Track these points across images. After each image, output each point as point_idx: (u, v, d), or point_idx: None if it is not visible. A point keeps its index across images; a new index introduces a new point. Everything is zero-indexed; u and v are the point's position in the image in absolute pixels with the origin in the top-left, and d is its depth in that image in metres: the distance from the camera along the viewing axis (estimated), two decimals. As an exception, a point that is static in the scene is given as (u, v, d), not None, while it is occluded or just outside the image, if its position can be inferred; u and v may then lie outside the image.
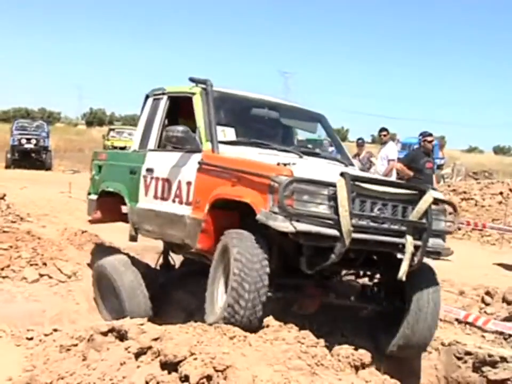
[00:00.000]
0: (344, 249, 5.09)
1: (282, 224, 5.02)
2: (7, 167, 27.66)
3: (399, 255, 5.43)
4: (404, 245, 5.35)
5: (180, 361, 4.09)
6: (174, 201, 6.50)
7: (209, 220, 5.86)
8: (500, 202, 16.16)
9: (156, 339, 4.51)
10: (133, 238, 7.50)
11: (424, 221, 5.42)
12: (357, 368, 4.61)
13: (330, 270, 5.66)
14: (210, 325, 5.09)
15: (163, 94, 7.21)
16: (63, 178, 21.97)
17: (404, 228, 5.41)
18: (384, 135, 12.62)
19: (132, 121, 67.37)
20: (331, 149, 13.86)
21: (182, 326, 5.00)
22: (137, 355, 4.44)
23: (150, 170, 6.94)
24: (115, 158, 8.11)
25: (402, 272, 5.31)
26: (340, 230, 5.04)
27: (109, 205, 7.83)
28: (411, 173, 11.00)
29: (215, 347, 4.43)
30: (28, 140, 27.99)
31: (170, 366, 4.12)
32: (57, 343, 5.20)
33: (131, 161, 7.38)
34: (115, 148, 28.48)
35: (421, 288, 5.67)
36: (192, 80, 6.67)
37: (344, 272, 6.09)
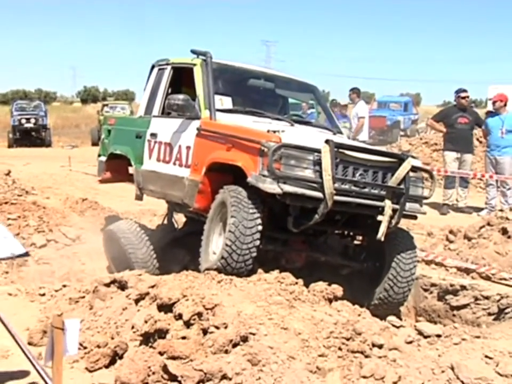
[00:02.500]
0: (327, 210, 5.22)
1: (270, 186, 5.17)
2: (9, 146, 27.90)
3: (379, 218, 5.52)
4: (383, 208, 5.49)
5: (174, 303, 4.38)
6: (174, 163, 6.64)
7: (206, 182, 6.02)
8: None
9: (152, 286, 4.83)
10: (138, 197, 7.66)
11: (402, 186, 5.55)
12: (330, 301, 4.92)
13: (316, 229, 5.79)
14: (204, 271, 5.35)
15: (167, 64, 7.29)
16: (63, 154, 22.18)
17: (383, 193, 5.54)
18: (353, 95, 12.85)
19: (124, 96, 67.05)
20: (310, 110, 14.15)
21: (176, 275, 5.30)
22: (137, 301, 4.76)
23: (153, 135, 7.05)
24: (123, 123, 8.18)
25: (381, 233, 5.46)
26: (323, 193, 5.17)
27: (117, 166, 7.91)
28: (443, 129, 11.25)
29: (205, 290, 4.74)
30: (28, 120, 28.21)
31: (166, 308, 4.42)
32: (67, 296, 5.53)
33: (137, 126, 7.48)
34: (108, 122, 28.49)
35: (399, 251, 5.85)
36: (193, 51, 6.76)
37: (329, 232, 6.17)
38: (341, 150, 5.36)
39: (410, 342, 4.58)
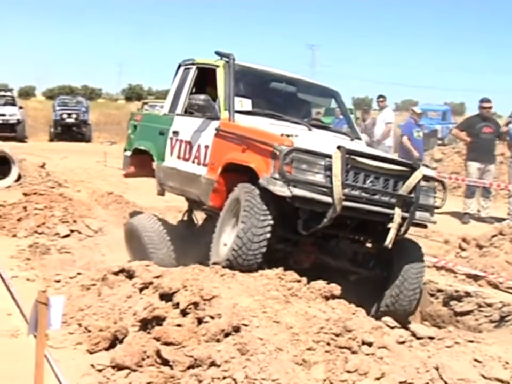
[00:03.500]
0: (335, 215, 5.30)
1: (280, 189, 5.27)
2: (50, 140, 28.57)
3: (389, 225, 5.57)
4: (393, 216, 5.54)
5: (174, 293, 4.61)
6: (193, 162, 6.77)
7: (221, 181, 6.16)
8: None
9: (157, 276, 5.04)
10: (160, 193, 7.85)
11: (412, 195, 5.60)
12: (327, 298, 5.06)
13: (326, 233, 5.85)
14: (214, 264, 5.53)
15: (192, 64, 7.43)
16: (101, 149, 22.59)
17: (393, 200, 5.59)
18: (381, 101, 13.01)
19: (167, 95, 67.79)
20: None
21: (183, 268, 5.51)
22: (141, 289, 4.98)
23: (176, 133, 7.20)
24: (148, 120, 8.35)
25: (389, 240, 5.52)
26: (332, 198, 5.25)
27: (141, 161, 8.04)
28: (467, 139, 11.20)
29: (207, 282, 4.95)
30: (69, 115, 28.79)
31: (166, 297, 4.65)
32: (79, 283, 5.79)
33: (161, 124, 7.63)
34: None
35: (407, 262, 5.89)
36: (217, 53, 6.90)
37: (340, 236, 6.18)
38: (352, 157, 5.44)
39: (402, 342, 4.71)
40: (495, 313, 6.12)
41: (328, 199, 5.28)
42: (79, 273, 6.14)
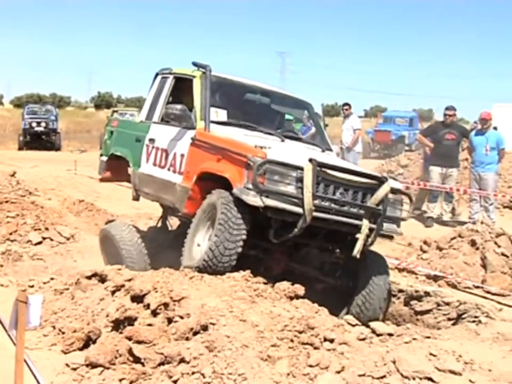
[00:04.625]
0: (305, 225, 5.49)
1: (253, 199, 5.44)
2: (19, 148, 28.53)
3: (357, 236, 5.75)
4: (360, 227, 5.73)
5: (145, 295, 4.83)
6: (169, 169, 6.91)
7: (196, 189, 6.32)
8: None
9: (128, 280, 5.25)
10: (135, 198, 7.96)
11: (380, 207, 5.79)
12: (291, 298, 5.33)
13: (296, 241, 6.06)
14: (186, 267, 5.71)
15: (170, 73, 7.53)
16: (71, 157, 22.65)
17: (361, 212, 5.78)
18: (346, 109, 13.38)
19: (137, 102, 67.67)
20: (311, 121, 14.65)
21: (153, 271, 5.73)
22: (113, 292, 5.19)
23: (152, 140, 7.30)
24: (124, 126, 8.40)
25: (357, 250, 5.71)
26: (303, 208, 5.44)
27: (116, 167, 8.17)
28: (430, 144, 11.65)
29: (177, 284, 5.18)
30: (38, 123, 28.82)
31: (138, 299, 4.85)
32: (53, 288, 5.97)
33: (137, 130, 7.72)
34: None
35: (373, 274, 6.12)
36: (194, 64, 7.02)
37: (310, 245, 6.37)
38: (323, 169, 5.63)
39: (363, 339, 4.98)
40: (453, 312, 6.41)
41: (299, 210, 5.47)
42: (52, 278, 6.31)
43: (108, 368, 4.28)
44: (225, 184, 5.82)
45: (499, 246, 7.44)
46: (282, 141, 6.81)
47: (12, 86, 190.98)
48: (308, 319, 4.82)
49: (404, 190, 6.48)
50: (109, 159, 8.31)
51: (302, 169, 5.52)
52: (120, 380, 4.13)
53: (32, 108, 31.45)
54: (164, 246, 7.98)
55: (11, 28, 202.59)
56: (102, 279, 5.54)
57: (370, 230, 5.79)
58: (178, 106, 6.67)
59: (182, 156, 6.69)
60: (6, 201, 9.11)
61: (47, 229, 8.56)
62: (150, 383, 4.12)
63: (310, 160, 5.54)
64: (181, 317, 4.58)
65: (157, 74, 7.81)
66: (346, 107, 13.43)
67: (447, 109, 11.44)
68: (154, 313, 4.63)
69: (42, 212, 8.98)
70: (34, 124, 28.69)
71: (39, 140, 28.96)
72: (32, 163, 20.07)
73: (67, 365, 4.40)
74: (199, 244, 5.97)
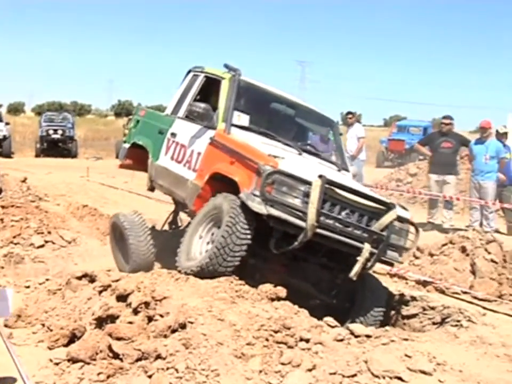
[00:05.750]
0: (306, 239, 5.53)
1: (257, 206, 5.50)
2: (36, 155, 28.94)
3: (357, 258, 5.78)
4: (362, 249, 5.76)
5: (129, 294, 5.03)
6: (184, 165, 6.99)
7: (207, 188, 6.40)
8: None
9: (116, 280, 5.46)
10: (150, 189, 8.08)
11: (384, 233, 5.82)
12: (272, 300, 5.47)
13: (296, 255, 6.10)
14: (184, 268, 5.81)
15: (201, 72, 7.62)
16: (86, 164, 22.99)
17: (365, 235, 5.80)
18: (350, 118, 13.53)
19: (157, 111, 68.16)
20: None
21: (143, 273, 5.94)
22: (100, 292, 5.40)
23: (173, 135, 7.38)
24: (150, 117, 8.41)
25: (354, 272, 5.75)
26: (305, 222, 5.47)
27: (137, 156, 8.21)
28: (428, 152, 11.96)
29: (162, 285, 5.38)
30: (55, 131, 29.20)
31: (122, 298, 5.04)
32: (47, 288, 6.19)
33: (162, 123, 7.80)
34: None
35: (370, 299, 6.21)
36: (226, 66, 7.14)
37: (310, 261, 6.35)
38: (332, 187, 5.66)
39: (340, 340, 5.11)
40: (437, 316, 6.52)
41: (302, 223, 5.51)
42: (47, 279, 6.53)
43: (88, 363, 4.45)
44: (235, 189, 5.88)
45: (489, 253, 7.54)
46: (300, 154, 6.85)
47: (35, 94, 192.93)
48: (285, 319, 4.97)
49: (411, 220, 6.43)
50: (131, 147, 8.39)
51: (310, 184, 5.56)
52: (98, 374, 4.31)
53: (49, 116, 31.92)
54: (171, 240, 7.79)
55: (34, 37, 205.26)
56: (92, 280, 5.75)
57: (371, 254, 5.82)
58: (203, 105, 6.79)
59: (199, 154, 6.78)
60: (12, 206, 9.38)
61: (49, 232, 8.81)
62: (126, 377, 4.29)
63: (320, 176, 5.58)
64: (161, 316, 4.75)
65: (189, 71, 7.91)
66: (350, 115, 13.60)
67: (444, 118, 11.73)
68: (136, 312, 4.82)
69: (46, 216, 9.23)
70: (51, 131, 29.07)
71: (56, 147, 29.33)
72: (47, 170, 20.41)
73: (50, 360, 4.59)
74: (201, 252, 6.02)
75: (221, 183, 6.20)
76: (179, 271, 5.90)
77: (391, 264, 6.44)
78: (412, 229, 6.31)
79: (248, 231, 5.63)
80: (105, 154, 31.90)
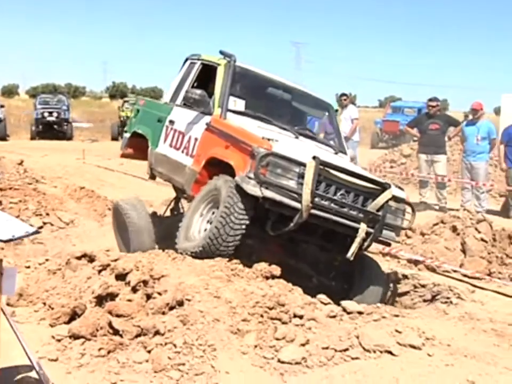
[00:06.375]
0: (301, 220, 5.60)
1: (252, 188, 5.57)
2: (32, 138, 28.98)
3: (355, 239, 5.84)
4: (358, 229, 5.83)
5: (128, 273, 5.18)
6: (182, 151, 7.06)
7: (203, 173, 6.49)
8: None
9: (115, 260, 5.60)
10: (151, 177, 8.24)
11: (380, 213, 5.87)
12: (267, 278, 5.63)
13: (293, 237, 6.15)
14: (183, 249, 5.93)
15: (198, 59, 7.71)
16: (82, 147, 23.07)
17: (360, 215, 5.86)
18: (345, 99, 13.66)
19: (151, 93, 67.97)
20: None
21: (141, 253, 6.09)
22: (100, 271, 5.54)
23: (172, 122, 7.46)
24: (150, 106, 8.52)
25: (351, 253, 5.82)
26: (300, 204, 5.54)
27: (138, 145, 8.32)
28: (417, 134, 12.36)
29: (159, 264, 5.54)
30: (50, 113, 29.24)
31: (121, 277, 5.20)
32: (47, 268, 6.33)
33: (160, 111, 7.90)
34: (128, 118, 29.46)
35: (368, 279, 6.30)
36: (221, 52, 7.18)
37: (308, 242, 6.42)
38: (326, 168, 5.72)
39: (333, 316, 5.27)
40: (427, 293, 6.72)
41: (297, 205, 5.57)
42: (47, 260, 6.66)
43: (89, 340, 4.60)
44: (231, 173, 5.96)
45: (479, 232, 7.71)
46: (296, 137, 6.91)
47: (28, 76, 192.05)
48: (279, 296, 5.13)
49: (407, 200, 6.50)
50: (131, 136, 8.51)
51: (305, 165, 5.61)
52: (99, 350, 4.46)
53: (44, 98, 31.89)
54: (172, 227, 7.72)
55: (27, 19, 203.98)
56: (91, 259, 5.88)
57: (368, 234, 5.89)
58: (198, 91, 6.83)
59: (196, 139, 6.85)
60: (10, 188, 9.51)
61: (47, 214, 8.94)
62: (126, 352, 4.44)
63: (314, 157, 5.62)
64: (159, 293, 4.91)
65: (186, 59, 7.99)
66: (344, 97, 13.72)
67: (430, 100, 12.07)
68: (134, 290, 4.97)
69: (44, 198, 9.36)
70: (46, 114, 29.10)
71: (51, 129, 29.36)
72: (43, 152, 20.52)
73: (52, 336, 4.74)
74: (199, 231, 6.11)
75: (218, 168, 6.26)
76: (179, 252, 6.00)
77: (388, 244, 6.53)
78: (408, 208, 6.38)
79: (246, 211, 5.69)
80: (100, 136, 31.99)
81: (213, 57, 7.45)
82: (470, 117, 12.06)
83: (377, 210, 5.91)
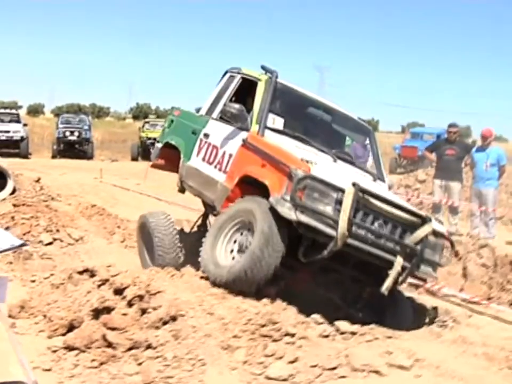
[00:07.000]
0: (336, 249, 5.35)
1: (287, 211, 5.33)
2: (53, 157, 29.47)
3: (389, 272, 5.62)
4: (393, 263, 5.59)
5: (125, 288, 5.32)
6: (215, 167, 6.84)
7: (236, 191, 6.25)
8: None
9: (114, 275, 5.75)
10: (180, 190, 7.94)
11: (418, 247, 5.63)
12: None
13: (325, 265, 5.86)
14: (214, 276, 5.73)
15: (238, 73, 7.50)
16: (101, 166, 23.40)
17: (397, 248, 5.61)
18: None
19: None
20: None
21: (144, 270, 6.26)
22: (99, 286, 5.69)
23: (206, 135, 7.24)
24: (185, 117, 8.22)
25: (385, 287, 5.59)
26: (336, 231, 5.28)
27: (169, 156, 8.06)
28: (434, 158, 12.45)
29: (158, 281, 5.68)
30: (72, 133, 29.74)
31: (119, 291, 5.34)
32: (51, 282, 6.49)
33: (195, 123, 7.64)
34: (149, 139, 29.87)
35: (401, 316, 6.12)
36: (263, 68, 7.05)
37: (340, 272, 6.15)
38: (365, 196, 5.51)
39: (326, 336, 5.36)
40: (425, 317, 6.75)
41: (332, 232, 5.33)
42: (52, 274, 6.83)
43: (83, 351, 4.75)
44: (265, 193, 5.74)
45: (481, 257, 7.77)
46: (335, 161, 6.66)
47: (55, 96, 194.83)
48: (272, 314, 5.23)
49: (446, 235, 6.30)
50: (164, 146, 8.24)
51: (343, 191, 5.40)
52: (92, 361, 4.60)
53: (66, 118, 32.46)
54: (198, 243, 7.37)
55: (55, 39, 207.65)
56: (92, 274, 6.04)
57: (403, 268, 5.67)
58: (237, 106, 6.64)
59: (230, 155, 6.65)
60: (23, 204, 9.71)
61: (58, 230, 9.09)
62: (118, 364, 4.57)
63: (353, 184, 5.41)
64: (154, 308, 5.05)
65: (226, 72, 7.81)
66: None
67: (449, 126, 12.00)
68: (130, 304, 5.11)
69: (55, 214, 9.54)
70: (67, 133, 29.60)
71: (72, 148, 29.83)
72: (62, 171, 20.80)
73: (48, 348, 4.89)
74: (223, 246, 5.94)
75: (251, 187, 6.06)
76: (212, 281, 5.79)
77: (424, 280, 6.32)
78: (447, 244, 6.20)
79: (283, 239, 5.50)
80: (120, 156, 32.38)
81: (254, 72, 7.30)
82: (479, 143, 12.09)
83: (416, 244, 5.69)
